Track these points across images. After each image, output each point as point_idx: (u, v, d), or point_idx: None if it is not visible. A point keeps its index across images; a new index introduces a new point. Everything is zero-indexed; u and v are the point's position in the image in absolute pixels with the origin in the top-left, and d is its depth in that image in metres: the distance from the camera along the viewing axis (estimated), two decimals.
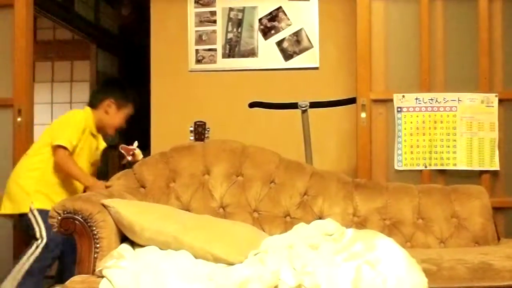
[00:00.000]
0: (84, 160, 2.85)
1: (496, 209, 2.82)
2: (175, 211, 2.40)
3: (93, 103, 2.95)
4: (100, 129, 2.96)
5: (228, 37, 3.96)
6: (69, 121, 2.84)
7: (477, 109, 2.99)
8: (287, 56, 3.92)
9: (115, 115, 2.93)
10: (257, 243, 2.13)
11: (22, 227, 2.79)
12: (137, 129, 3.77)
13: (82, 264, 2.12)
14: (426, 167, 3.00)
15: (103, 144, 3.02)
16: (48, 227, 2.49)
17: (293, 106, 3.23)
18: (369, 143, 3.02)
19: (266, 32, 3.94)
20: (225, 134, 2.87)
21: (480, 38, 3.02)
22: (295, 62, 3.92)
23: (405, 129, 3.01)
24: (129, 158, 2.87)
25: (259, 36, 3.95)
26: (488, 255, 2.22)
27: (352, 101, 3.15)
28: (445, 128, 3.00)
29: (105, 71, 5.99)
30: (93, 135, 2.92)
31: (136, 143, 2.93)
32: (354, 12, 3.06)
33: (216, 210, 2.57)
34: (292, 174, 2.66)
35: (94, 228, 2.13)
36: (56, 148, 2.70)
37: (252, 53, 3.94)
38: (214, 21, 3.97)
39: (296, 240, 2.12)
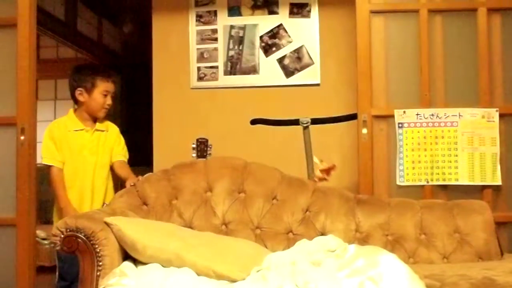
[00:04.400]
0: (81, 157, 2.90)
1: (499, 224, 2.81)
2: (177, 229, 2.40)
3: (73, 101, 3.03)
4: (94, 116, 2.98)
5: (230, 54, 3.99)
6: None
7: (478, 124, 3.00)
8: (288, 73, 3.95)
9: (90, 99, 2.95)
10: (260, 259, 2.13)
11: None
12: (139, 145, 3.79)
13: (84, 282, 2.11)
14: (428, 182, 3.00)
15: (111, 137, 3.02)
16: None
17: (295, 122, 3.23)
18: (371, 159, 3.02)
19: (267, 49, 3.96)
20: (227, 151, 2.87)
21: (479, 53, 3.03)
22: (296, 79, 3.95)
23: (406, 144, 3.02)
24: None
25: (260, 53, 3.97)
26: (491, 270, 2.21)
27: (353, 117, 3.16)
28: (447, 143, 3.01)
29: None
30: (80, 130, 2.95)
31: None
32: (354, 28, 3.08)
33: (219, 227, 2.57)
34: (294, 190, 2.66)
35: (97, 246, 2.13)
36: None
37: (253, 70, 3.97)
38: (216, 39, 4.00)
39: (299, 256, 2.12)
